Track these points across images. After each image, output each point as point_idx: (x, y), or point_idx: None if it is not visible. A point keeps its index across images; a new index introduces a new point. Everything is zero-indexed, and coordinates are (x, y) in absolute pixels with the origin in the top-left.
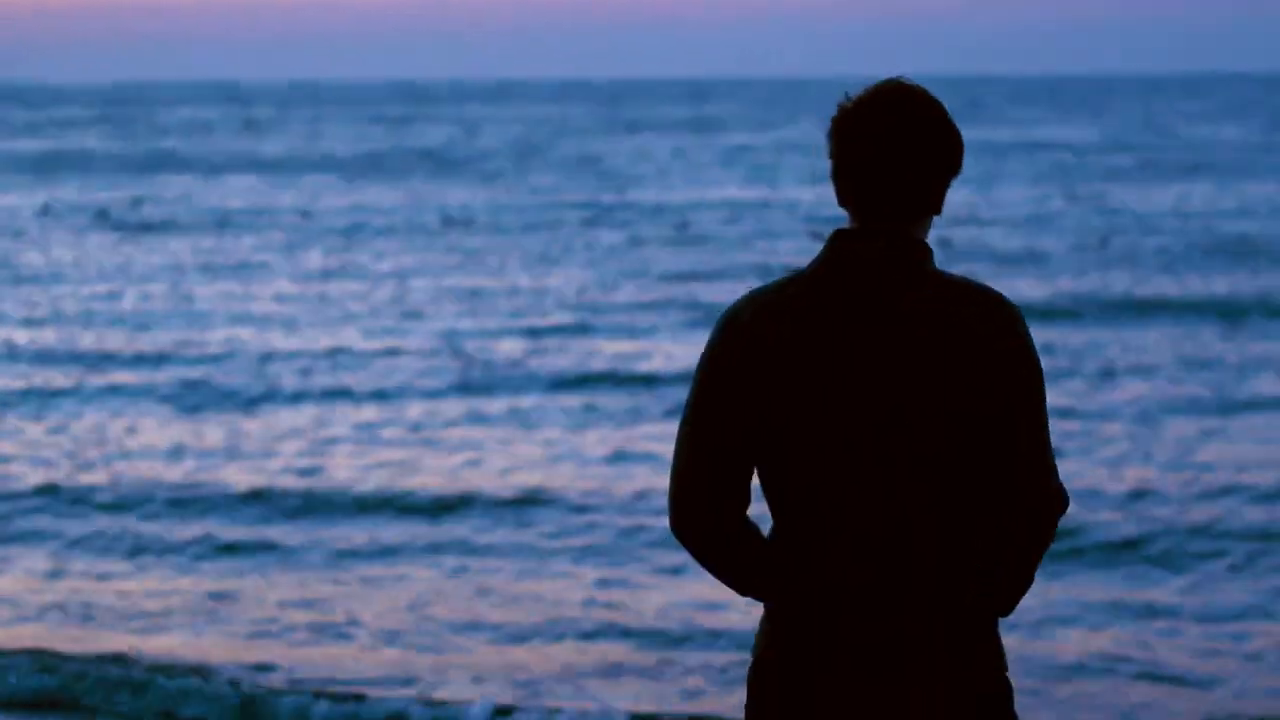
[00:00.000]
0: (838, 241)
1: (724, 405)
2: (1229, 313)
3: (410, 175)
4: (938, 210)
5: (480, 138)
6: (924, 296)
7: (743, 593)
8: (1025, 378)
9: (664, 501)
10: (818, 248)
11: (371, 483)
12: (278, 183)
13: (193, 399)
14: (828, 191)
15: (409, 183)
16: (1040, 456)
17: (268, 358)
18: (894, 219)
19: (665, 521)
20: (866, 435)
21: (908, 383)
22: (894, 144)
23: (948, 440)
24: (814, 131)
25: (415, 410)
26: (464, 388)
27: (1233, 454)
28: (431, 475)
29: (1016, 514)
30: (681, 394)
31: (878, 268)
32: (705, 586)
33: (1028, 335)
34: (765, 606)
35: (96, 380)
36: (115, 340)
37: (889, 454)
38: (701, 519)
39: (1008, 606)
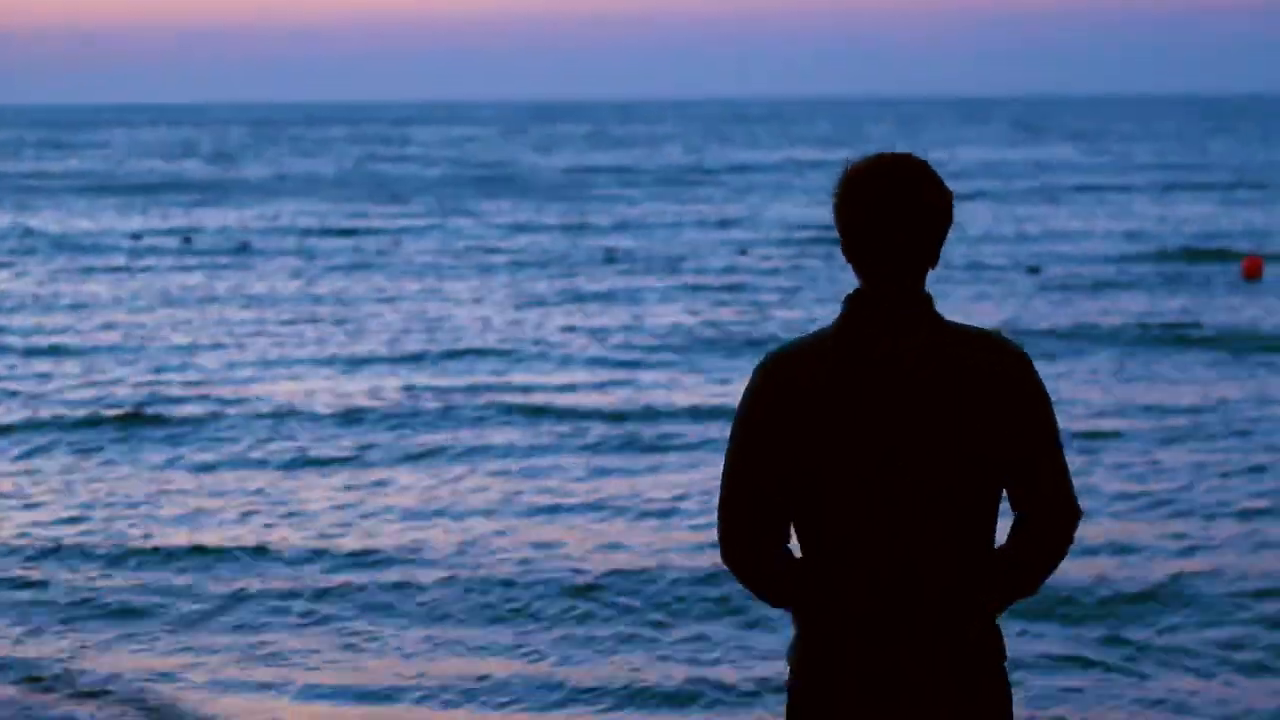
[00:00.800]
0: (851, 303)
1: (758, 453)
2: None
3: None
4: (933, 264)
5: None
6: (932, 344)
7: (784, 606)
8: (1041, 414)
9: None
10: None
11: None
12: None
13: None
14: None
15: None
16: (1062, 482)
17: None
18: (893, 276)
19: None
20: (880, 476)
21: (919, 426)
22: (884, 210)
23: (960, 478)
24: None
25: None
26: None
27: None
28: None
29: (1039, 520)
30: None
31: (887, 323)
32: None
33: (1035, 372)
34: (795, 619)
35: None
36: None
37: (900, 493)
38: (745, 554)
39: (1013, 601)
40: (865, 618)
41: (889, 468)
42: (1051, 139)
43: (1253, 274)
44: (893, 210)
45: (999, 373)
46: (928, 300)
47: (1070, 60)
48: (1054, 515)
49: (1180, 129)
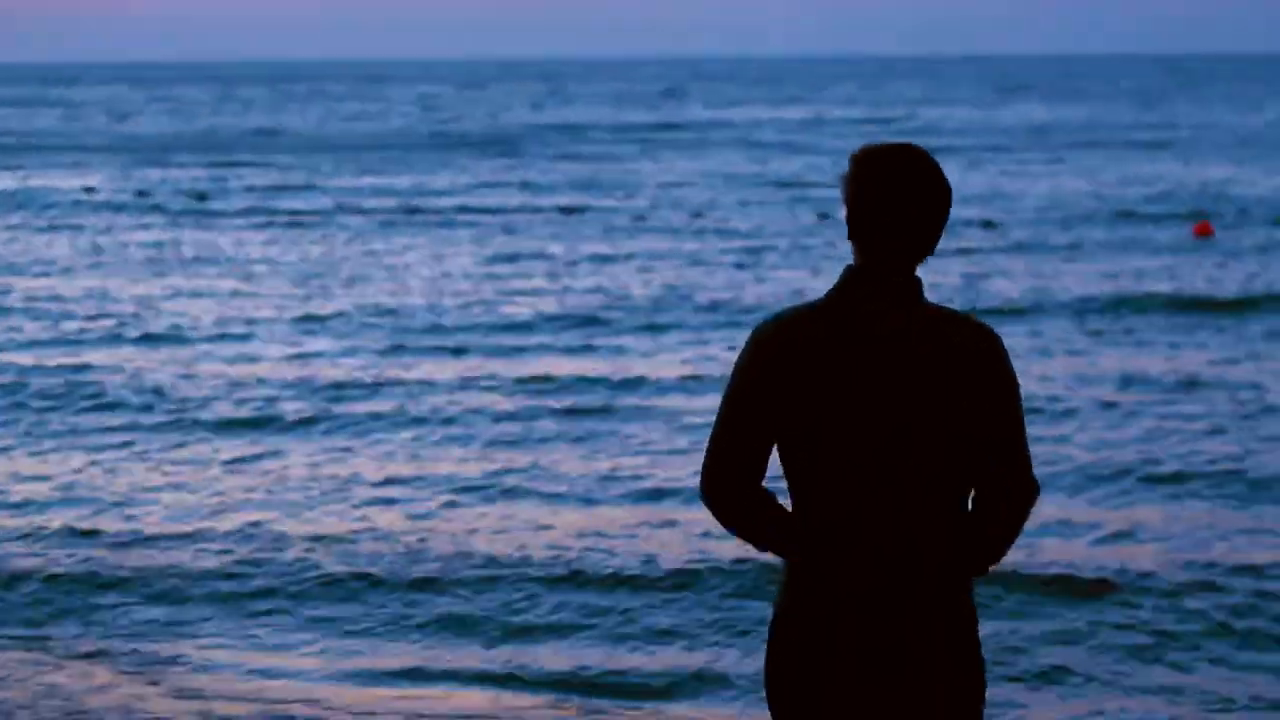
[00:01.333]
0: (849, 276)
1: (752, 407)
2: None
3: None
4: (932, 250)
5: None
6: (922, 326)
7: (760, 548)
8: (1014, 394)
9: None
10: None
11: None
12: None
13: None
14: None
15: None
16: (1024, 459)
17: None
18: (895, 256)
19: None
20: (885, 452)
21: (911, 403)
22: (899, 194)
23: (952, 455)
24: None
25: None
26: None
27: None
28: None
29: (1002, 502)
30: None
31: (882, 301)
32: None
33: (1008, 355)
34: (786, 565)
35: None
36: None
37: (903, 470)
38: (728, 493)
39: (981, 572)
40: (868, 593)
41: (894, 444)
42: (1027, 98)
43: (1203, 234)
44: (909, 190)
45: (982, 352)
46: (920, 285)
47: (1046, 20)
48: (1019, 491)
49: (1147, 88)
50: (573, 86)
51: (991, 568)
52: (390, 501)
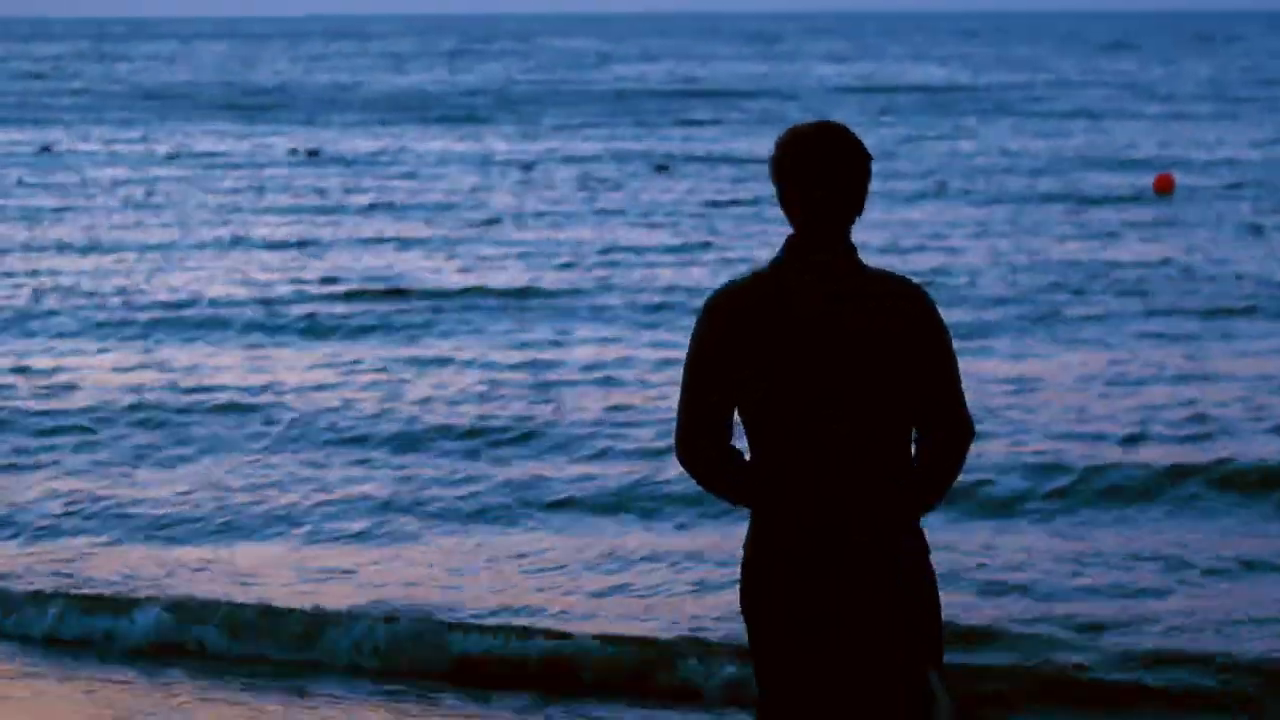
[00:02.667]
0: (789, 244)
1: (710, 375)
2: None
3: None
4: (859, 214)
5: None
6: (856, 288)
7: (734, 503)
8: (944, 346)
9: None
10: None
11: None
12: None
13: None
14: None
15: None
16: (957, 396)
17: None
18: (829, 224)
19: None
20: (827, 404)
21: (848, 362)
22: (827, 170)
23: (885, 405)
24: None
25: None
26: None
27: None
28: None
29: (941, 437)
30: None
31: (819, 268)
32: None
33: (937, 309)
34: (751, 514)
35: None
36: None
37: (843, 422)
38: (700, 451)
39: (928, 509)
40: (797, 548)
41: (836, 397)
42: (1017, 55)
43: (1163, 189)
44: (836, 164)
45: (914, 309)
46: (854, 247)
47: None
48: (957, 435)
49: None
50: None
51: (936, 503)
52: None
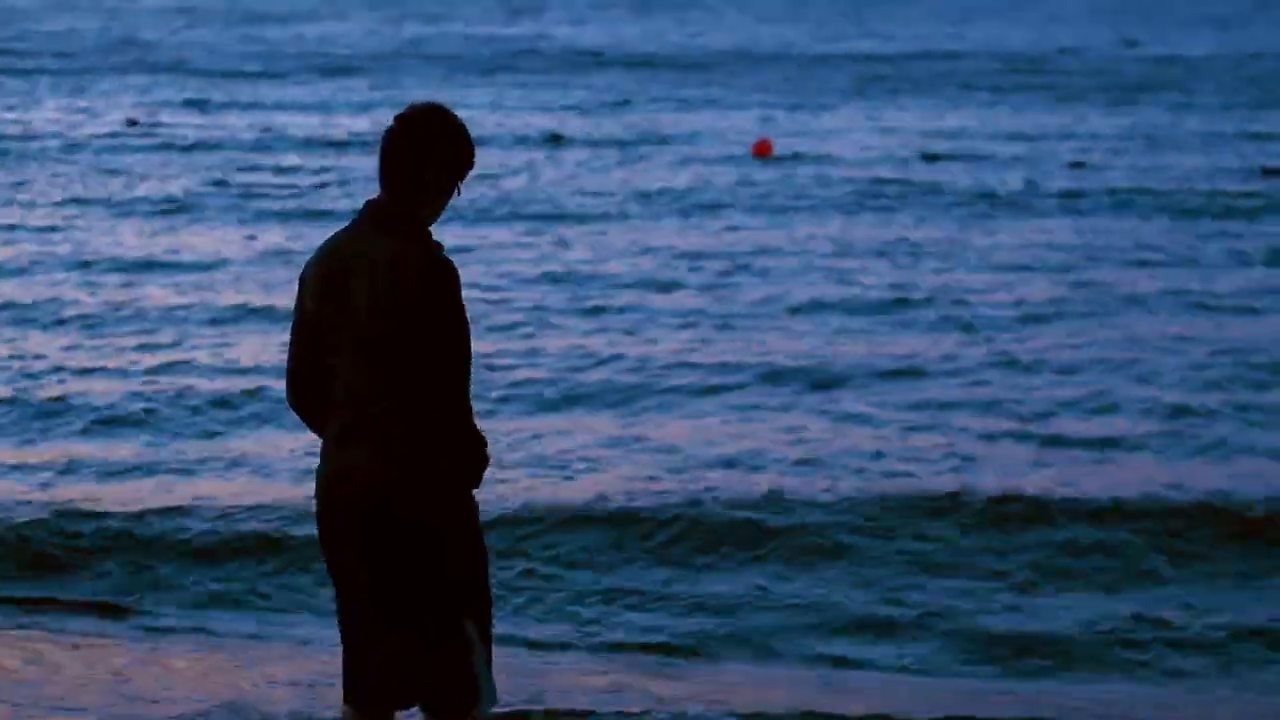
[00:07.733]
0: (362, 209)
1: (298, 323)
2: None
3: None
4: (431, 191)
5: None
6: (392, 255)
7: (320, 435)
8: (453, 326)
9: None
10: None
11: None
12: None
13: None
14: None
15: None
16: (456, 393)
17: None
18: (394, 194)
19: None
20: (352, 359)
21: (377, 319)
22: (398, 148)
23: (405, 365)
24: None
25: None
26: None
27: None
28: None
29: (435, 386)
30: None
31: (372, 234)
32: None
33: (458, 290)
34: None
35: None
36: None
37: (365, 373)
38: (295, 393)
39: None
40: (330, 483)
41: (363, 354)
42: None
43: (761, 153)
44: (405, 149)
45: (433, 284)
46: (412, 219)
47: None
48: (446, 422)
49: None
50: None
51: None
52: None
